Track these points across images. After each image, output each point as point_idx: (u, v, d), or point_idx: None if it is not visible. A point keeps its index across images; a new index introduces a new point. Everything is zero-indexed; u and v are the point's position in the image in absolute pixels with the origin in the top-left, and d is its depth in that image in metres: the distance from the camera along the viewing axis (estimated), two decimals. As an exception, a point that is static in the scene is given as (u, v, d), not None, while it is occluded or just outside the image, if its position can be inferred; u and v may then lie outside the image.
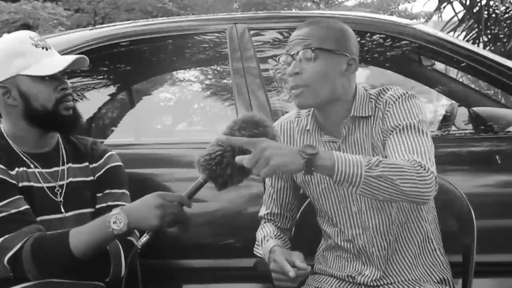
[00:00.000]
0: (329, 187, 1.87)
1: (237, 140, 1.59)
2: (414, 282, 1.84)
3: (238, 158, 1.57)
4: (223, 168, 1.64)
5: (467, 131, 3.04)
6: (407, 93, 1.80)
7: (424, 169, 1.62)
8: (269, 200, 2.01)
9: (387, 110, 1.79)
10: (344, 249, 1.91)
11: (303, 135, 1.91)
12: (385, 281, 1.86)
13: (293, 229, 2.04)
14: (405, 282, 1.85)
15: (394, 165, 1.60)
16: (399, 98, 1.79)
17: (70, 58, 1.96)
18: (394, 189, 1.59)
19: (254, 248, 2.01)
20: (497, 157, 2.49)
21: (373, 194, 1.60)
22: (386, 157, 1.74)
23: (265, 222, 2.02)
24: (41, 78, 1.92)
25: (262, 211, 2.03)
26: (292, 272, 1.68)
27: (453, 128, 3.05)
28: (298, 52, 1.78)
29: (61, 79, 1.96)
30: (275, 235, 1.94)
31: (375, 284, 1.86)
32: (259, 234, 1.99)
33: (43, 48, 1.95)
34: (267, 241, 1.92)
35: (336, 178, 1.58)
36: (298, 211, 2.05)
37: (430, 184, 1.62)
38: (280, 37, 2.96)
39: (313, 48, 1.76)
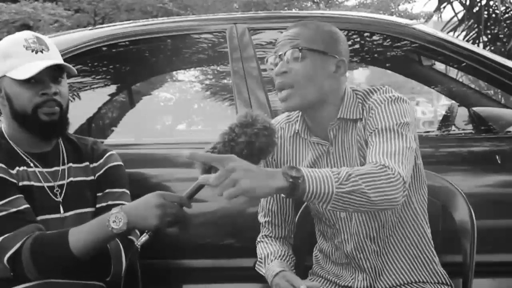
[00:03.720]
0: None
1: (205, 156, 1.50)
2: (413, 284, 1.82)
3: (203, 178, 1.49)
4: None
5: (467, 131, 3.04)
6: (393, 96, 1.73)
7: (391, 171, 1.55)
8: (266, 207, 1.96)
9: (370, 116, 1.73)
10: (336, 255, 1.88)
11: (293, 139, 1.88)
12: (381, 285, 1.82)
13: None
14: (403, 286, 1.82)
15: (362, 175, 1.52)
16: (383, 102, 1.72)
17: (44, 64, 1.88)
18: (364, 200, 1.51)
19: (256, 265, 1.96)
20: (497, 157, 2.48)
21: (344, 207, 1.52)
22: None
23: (266, 236, 1.96)
24: (23, 81, 1.89)
25: (262, 219, 1.98)
26: (303, 286, 1.64)
27: (453, 128, 3.05)
28: (286, 52, 1.74)
29: (46, 83, 1.91)
30: (279, 255, 1.88)
31: None
32: (262, 251, 1.93)
33: (33, 51, 1.91)
34: (271, 261, 1.87)
35: (306, 197, 1.48)
36: (297, 214, 2.02)
37: (397, 188, 1.54)
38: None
39: (300, 48, 1.73)
